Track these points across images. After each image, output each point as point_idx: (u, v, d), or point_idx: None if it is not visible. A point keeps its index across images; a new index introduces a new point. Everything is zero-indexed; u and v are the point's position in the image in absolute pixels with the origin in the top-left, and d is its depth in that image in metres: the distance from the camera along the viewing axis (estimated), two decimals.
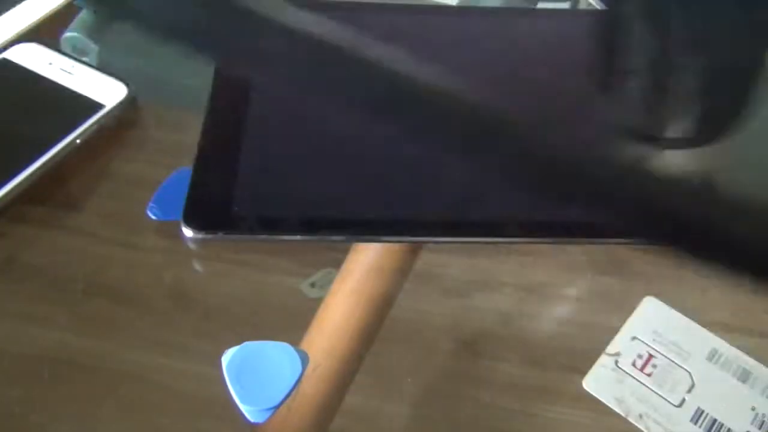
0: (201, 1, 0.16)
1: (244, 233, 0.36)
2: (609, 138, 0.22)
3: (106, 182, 0.41)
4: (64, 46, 0.47)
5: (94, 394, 0.33)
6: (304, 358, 0.33)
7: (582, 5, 0.54)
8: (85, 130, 0.41)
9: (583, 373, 0.34)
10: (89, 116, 0.41)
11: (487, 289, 0.38)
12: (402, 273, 0.38)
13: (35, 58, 0.44)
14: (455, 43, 0.47)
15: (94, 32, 0.49)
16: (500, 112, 0.14)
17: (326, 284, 0.36)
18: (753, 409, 0.33)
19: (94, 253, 0.37)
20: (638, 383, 0.33)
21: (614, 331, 0.35)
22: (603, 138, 0.22)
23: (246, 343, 0.33)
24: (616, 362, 0.34)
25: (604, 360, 0.34)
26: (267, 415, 0.31)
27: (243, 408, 0.31)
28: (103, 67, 0.44)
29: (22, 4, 0.49)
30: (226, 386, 0.32)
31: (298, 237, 0.36)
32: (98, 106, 0.42)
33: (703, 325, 0.36)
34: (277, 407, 0.31)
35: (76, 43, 0.48)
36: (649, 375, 0.34)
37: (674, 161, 0.23)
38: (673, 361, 0.34)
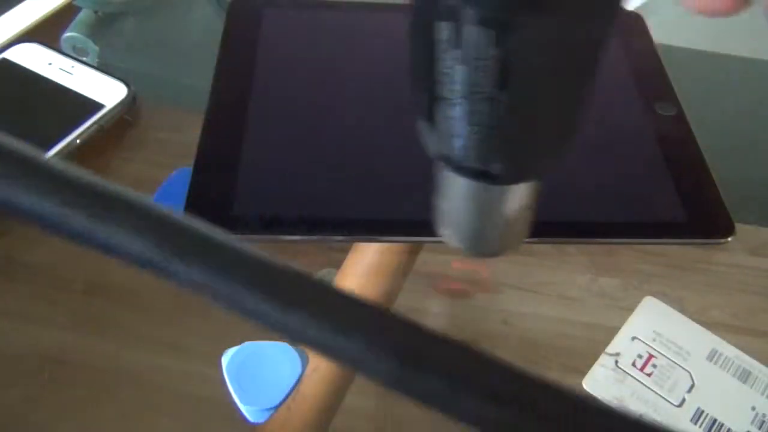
0: None
1: (244, 233, 0.36)
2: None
3: None
4: (64, 46, 0.47)
5: (94, 394, 0.33)
6: (304, 358, 0.33)
7: None
8: (85, 130, 0.41)
9: (583, 373, 0.34)
10: (89, 116, 0.41)
11: (487, 289, 0.38)
12: (402, 273, 0.38)
13: (35, 58, 0.44)
14: None
15: (94, 32, 0.49)
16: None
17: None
18: (753, 408, 0.33)
19: (94, 253, 0.37)
20: (638, 383, 0.33)
21: (614, 331, 0.35)
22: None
23: (246, 343, 0.33)
24: (616, 362, 0.34)
25: (604, 360, 0.34)
26: (267, 415, 0.31)
27: (243, 408, 0.31)
28: (103, 67, 0.44)
29: (22, 4, 0.49)
30: (226, 386, 0.32)
31: (298, 237, 0.36)
32: (98, 106, 0.42)
33: (703, 325, 0.36)
34: (277, 407, 0.31)
35: (76, 43, 0.48)
36: (649, 375, 0.34)
37: (479, 194, 0.22)
38: (673, 361, 0.34)
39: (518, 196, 0.22)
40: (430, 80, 0.19)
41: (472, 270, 0.38)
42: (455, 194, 0.22)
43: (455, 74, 0.18)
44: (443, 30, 0.17)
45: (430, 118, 0.19)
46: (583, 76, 0.20)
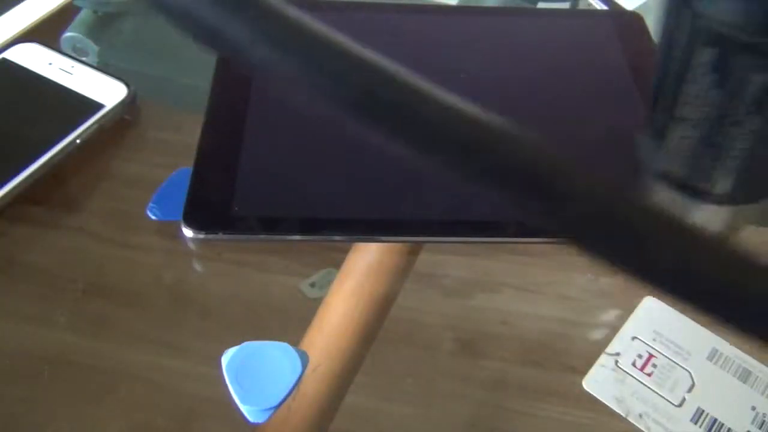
0: None
1: (244, 233, 0.36)
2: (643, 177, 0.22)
3: (106, 182, 0.41)
4: (64, 46, 0.47)
5: (94, 394, 0.33)
6: (304, 358, 0.33)
7: (582, 5, 0.54)
8: (85, 130, 0.41)
9: (583, 373, 0.34)
10: (89, 116, 0.41)
11: (487, 289, 0.38)
12: (402, 273, 0.38)
13: (35, 58, 0.44)
14: (455, 43, 0.47)
15: (94, 32, 0.49)
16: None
17: (326, 284, 0.36)
18: (753, 408, 0.33)
19: (94, 253, 0.37)
20: (638, 383, 0.33)
21: (614, 331, 0.35)
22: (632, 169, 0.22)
23: (246, 343, 0.33)
24: (616, 362, 0.34)
25: (604, 360, 0.34)
26: (267, 415, 0.31)
27: (243, 408, 0.31)
28: (103, 67, 0.44)
29: (22, 4, 0.49)
30: (226, 386, 0.32)
31: (298, 237, 0.36)
32: (98, 106, 0.42)
33: (703, 324, 0.36)
34: (277, 407, 0.31)
35: (76, 43, 0.48)
36: (649, 375, 0.34)
37: (705, 214, 0.22)
38: (673, 361, 0.34)
39: (733, 217, 0.23)
40: (674, 101, 0.19)
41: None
42: None
43: (708, 98, 0.18)
44: (706, 55, 0.18)
45: (663, 136, 0.20)
46: None
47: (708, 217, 0.22)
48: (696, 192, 0.21)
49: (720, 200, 0.21)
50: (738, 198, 0.21)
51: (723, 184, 0.20)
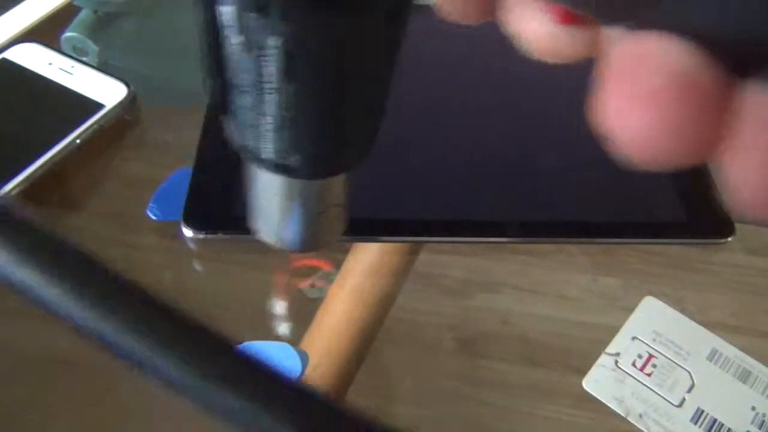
0: None
1: (244, 233, 0.36)
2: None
3: (106, 182, 0.41)
4: (64, 46, 0.47)
5: (94, 394, 0.33)
6: (304, 358, 0.33)
7: None
8: (85, 130, 0.41)
9: (583, 373, 0.34)
10: (89, 116, 0.41)
11: (487, 289, 0.38)
12: (402, 273, 0.38)
13: (35, 58, 0.44)
14: (455, 44, 0.47)
15: (94, 32, 0.49)
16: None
17: (326, 284, 0.36)
18: (753, 408, 0.33)
19: (94, 253, 0.37)
20: (638, 383, 0.33)
21: (614, 331, 0.35)
22: None
23: (246, 343, 0.33)
24: (616, 362, 0.34)
25: (604, 360, 0.34)
26: None
27: None
28: (103, 67, 0.44)
29: (22, 4, 0.49)
30: None
31: None
32: (98, 106, 0.42)
33: (703, 325, 0.36)
34: None
35: (76, 43, 0.48)
36: (649, 375, 0.34)
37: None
38: (673, 361, 0.34)
39: (322, 192, 0.21)
40: (221, 64, 0.17)
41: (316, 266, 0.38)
42: (260, 187, 0.21)
43: (241, 62, 0.17)
44: (225, 14, 0.16)
45: (225, 106, 0.18)
46: (372, 71, 0.18)
47: (292, 192, 0.21)
48: (273, 166, 0.19)
49: (296, 174, 0.19)
50: (311, 171, 0.20)
51: (291, 157, 0.19)
